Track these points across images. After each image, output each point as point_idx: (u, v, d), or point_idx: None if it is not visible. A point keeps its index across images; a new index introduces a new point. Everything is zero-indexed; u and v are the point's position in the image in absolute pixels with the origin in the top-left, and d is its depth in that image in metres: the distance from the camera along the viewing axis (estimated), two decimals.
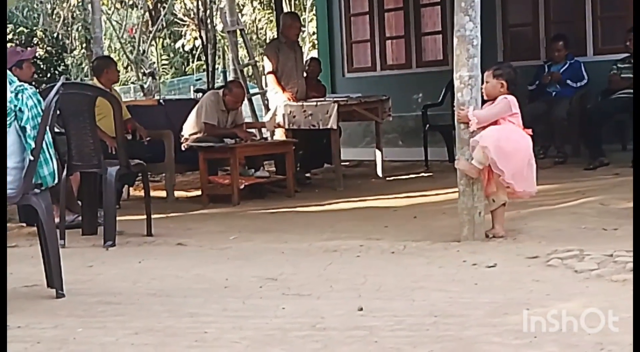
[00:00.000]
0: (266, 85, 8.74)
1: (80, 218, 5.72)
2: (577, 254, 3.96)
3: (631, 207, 5.52)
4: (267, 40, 17.88)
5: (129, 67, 20.32)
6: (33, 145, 3.56)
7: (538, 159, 7.80)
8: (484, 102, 4.73)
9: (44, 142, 3.62)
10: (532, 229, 4.81)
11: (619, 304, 3.09)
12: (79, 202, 5.89)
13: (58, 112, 4.96)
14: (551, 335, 2.79)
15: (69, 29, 18.88)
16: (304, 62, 9.12)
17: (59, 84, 3.94)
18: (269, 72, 8.18)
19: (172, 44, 23.71)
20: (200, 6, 14.29)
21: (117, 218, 5.34)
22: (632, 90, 7.87)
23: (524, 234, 4.68)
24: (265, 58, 8.49)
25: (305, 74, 8.72)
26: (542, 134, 8.37)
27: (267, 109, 8.63)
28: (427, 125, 8.97)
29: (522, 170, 4.61)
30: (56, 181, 3.80)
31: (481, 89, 4.69)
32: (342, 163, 8.22)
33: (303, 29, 17.44)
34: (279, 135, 8.15)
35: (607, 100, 8.02)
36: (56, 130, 5.21)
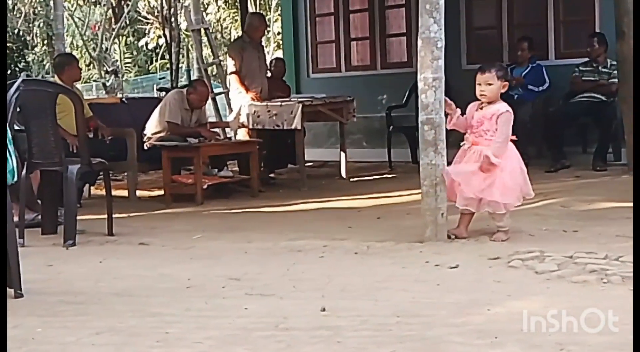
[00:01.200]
0: (229, 85, 8.69)
1: (40, 217, 5.65)
2: (538, 255, 3.99)
3: (592, 210, 5.64)
4: (232, 39, 17.82)
5: (92, 65, 20.14)
6: None
7: None
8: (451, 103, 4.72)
9: None
10: (494, 230, 4.84)
11: (579, 304, 3.13)
12: (39, 201, 5.81)
13: (18, 109, 4.92)
14: (514, 335, 2.82)
15: (31, 25, 18.64)
16: (269, 62, 9.12)
17: (19, 80, 3.89)
18: (232, 72, 8.15)
19: (136, 42, 23.55)
20: (164, 4, 14.21)
21: (78, 217, 5.28)
22: (593, 94, 8.02)
23: (486, 235, 4.70)
24: (229, 57, 8.46)
25: (270, 74, 8.71)
26: None
27: (231, 108, 8.59)
28: (391, 127, 9.02)
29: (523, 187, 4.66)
30: (15, 178, 3.74)
31: (482, 92, 4.56)
32: (307, 163, 8.23)
33: (268, 29, 17.44)
34: (243, 135, 8.13)
35: (570, 103, 8.14)
36: (16, 127, 5.17)
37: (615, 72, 7.70)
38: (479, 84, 4.58)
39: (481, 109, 4.63)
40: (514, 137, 4.68)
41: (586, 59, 8.18)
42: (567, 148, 8.06)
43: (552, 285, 3.53)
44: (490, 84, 4.56)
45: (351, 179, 8.24)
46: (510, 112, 4.58)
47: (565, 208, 5.69)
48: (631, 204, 5.61)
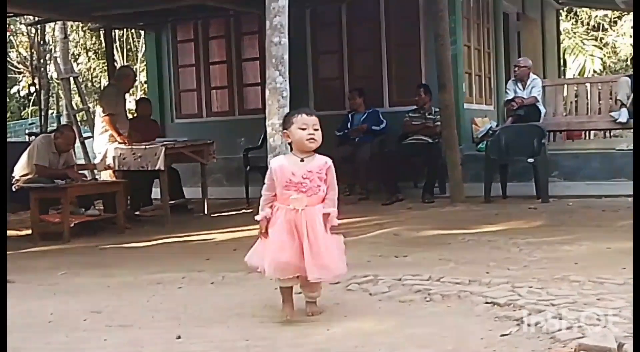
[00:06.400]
0: (98, 127, 8.40)
1: None
2: (372, 279, 4.06)
3: (420, 237, 5.83)
4: (102, 87, 17.39)
5: None
6: None
7: (344, 195, 8.13)
8: None
9: None
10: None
11: (404, 321, 3.24)
12: None
13: None
14: (348, 350, 2.86)
15: None
16: (135, 103, 8.95)
17: None
18: (108, 114, 7.90)
19: (9, 90, 22.49)
20: (34, 54, 13.68)
21: None
22: (421, 136, 8.39)
23: None
24: (102, 103, 8.24)
25: (136, 114, 8.54)
26: (348, 174, 8.69)
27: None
28: (249, 167, 9.02)
29: None
30: None
31: (311, 137, 3.33)
32: (170, 202, 8.08)
33: (136, 78, 17.12)
34: (107, 176, 7.91)
35: (402, 145, 8.46)
36: None
37: (439, 116, 8.11)
38: (305, 128, 3.36)
39: (302, 161, 3.41)
40: None
41: (415, 107, 8.55)
42: (400, 183, 8.36)
43: (383, 305, 3.60)
44: (316, 129, 3.39)
45: (212, 215, 8.16)
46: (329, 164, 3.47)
47: (397, 236, 5.86)
48: (453, 231, 5.91)
